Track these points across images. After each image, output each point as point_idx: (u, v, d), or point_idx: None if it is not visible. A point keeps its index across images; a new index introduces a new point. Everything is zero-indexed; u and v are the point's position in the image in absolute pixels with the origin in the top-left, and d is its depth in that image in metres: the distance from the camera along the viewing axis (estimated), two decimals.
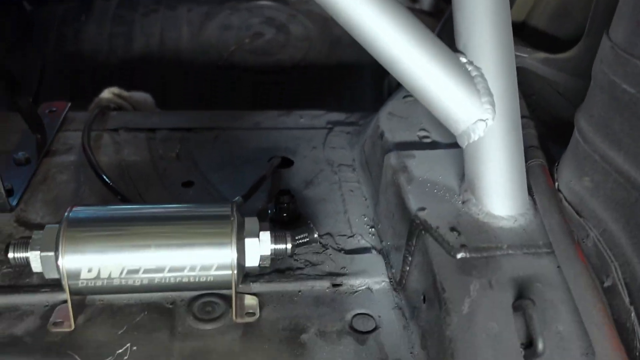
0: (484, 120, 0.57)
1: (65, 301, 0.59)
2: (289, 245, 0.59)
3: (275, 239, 0.58)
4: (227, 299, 0.61)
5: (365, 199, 0.78)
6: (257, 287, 0.63)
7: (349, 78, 1.57)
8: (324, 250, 0.69)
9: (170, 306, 0.60)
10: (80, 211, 0.56)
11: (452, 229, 0.56)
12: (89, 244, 0.53)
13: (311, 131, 0.95)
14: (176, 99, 1.46)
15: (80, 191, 0.77)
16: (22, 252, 0.55)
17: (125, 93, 1.12)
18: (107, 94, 1.11)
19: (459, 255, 0.53)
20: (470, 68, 0.58)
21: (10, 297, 0.60)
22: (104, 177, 0.75)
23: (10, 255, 0.55)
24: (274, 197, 0.73)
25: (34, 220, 0.71)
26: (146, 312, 0.59)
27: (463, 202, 0.60)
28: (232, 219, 0.56)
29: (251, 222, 0.58)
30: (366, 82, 1.57)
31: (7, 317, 0.58)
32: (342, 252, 0.69)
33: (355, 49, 1.62)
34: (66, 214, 0.55)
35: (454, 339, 0.49)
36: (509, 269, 0.52)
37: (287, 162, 0.86)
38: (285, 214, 0.72)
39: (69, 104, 0.97)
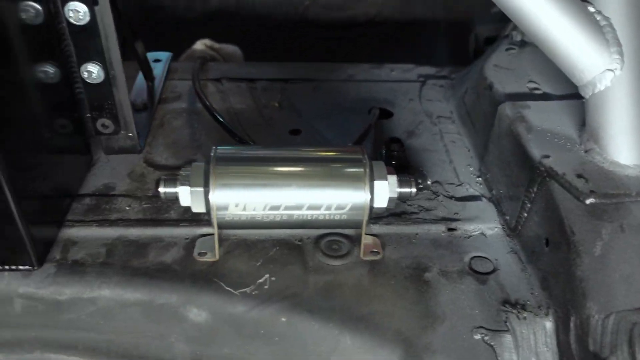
0: (612, 70, 0.58)
1: (203, 235, 0.65)
2: (414, 189, 0.62)
3: (401, 183, 0.61)
4: (350, 238, 0.64)
5: (469, 150, 0.80)
6: (377, 228, 0.66)
7: (422, 34, 1.57)
8: (435, 197, 0.72)
9: (299, 243, 0.64)
10: (224, 151, 0.60)
11: (579, 176, 0.58)
12: (237, 181, 0.57)
13: (405, 84, 0.97)
14: (253, 52, 1.49)
15: (196, 135, 0.81)
16: (172, 187, 0.59)
17: (216, 45, 1.16)
18: (199, 45, 1.15)
19: (588, 201, 0.55)
20: (599, 18, 0.59)
21: (154, 229, 0.65)
22: (222, 120, 0.79)
23: (161, 189, 0.59)
24: (383, 145, 0.76)
25: (158, 162, 0.76)
26: (278, 248, 0.63)
27: (586, 151, 0.61)
28: (364, 161, 0.59)
29: (379, 166, 0.61)
30: (440, 38, 1.56)
31: (154, 247, 0.63)
32: (453, 199, 0.71)
33: (429, 4, 1.62)
34: (212, 152, 0.59)
35: (585, 279, 0.52)
36: (638, 214, 0.54)
37: (386, 113, 0.88)
38: (394, 161, 0.75)
39: (171, 54, 1.01)
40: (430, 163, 0.78)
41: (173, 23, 1.51)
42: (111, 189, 0.71)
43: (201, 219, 0.66)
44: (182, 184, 0.59)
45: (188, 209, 0.60)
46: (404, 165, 0.75)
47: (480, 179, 0.75)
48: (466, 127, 0.83)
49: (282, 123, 0.86)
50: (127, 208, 0.68)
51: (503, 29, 0.94)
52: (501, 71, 0.79)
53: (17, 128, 0.56)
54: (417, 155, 0.79)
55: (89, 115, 0.70)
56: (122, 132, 0.72)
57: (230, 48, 1.18)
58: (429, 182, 0.68)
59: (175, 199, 0.60)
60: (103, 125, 0.71)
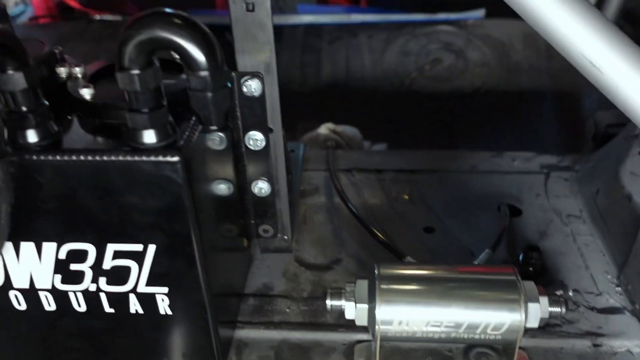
0: None
1: (359, 341, 0.70)
2: (564, 309, 0.65)
3: (552, 303, 0.65)
4: (497, 350, 0.68)
5: (604, 255, 0.82)
6: (522, 341, 0.69)
7: (528, 105, 1.59)
8: (576, 308, 0.74)
9: (449, 354, 0.68)
10: (387, 268, 0.65)
11: None
12: (402, 299, 0.63)
13: (528, 176, 1.00)
14: (363, 123, 1.56)
15: (339, 233, 0.88)
16: (338, 300, 0.66)
17: (339, 128, 1.24)
18: (324, 129, 1.23)
19: None
20: None
21: (314, 333, 0.71)
22: (363, 222, 0.85)
23: (328, 302, 0.66)
24: (521, 251, 0.79)
25: (308, 260, 0.83)
26: (430, 357, 0.68)
27: None
28: (518, 285, 0.63)
29: (531, 287, 0.65)
30: (547, 110, 1.58)
31: (316, 352, 0.69)
32: (595, 310, 0.73)
33: (534, 75, 1.64)
34: (376, 270, 0.65)
35: None
36: None
37: (514, 210, 0.92)
38: (531, 268, 0.78)
39: (303, 144, 1.09)
40: (566, 269, 0.80)
41: (287, 98, 1.61)
42: (270, 289, 0.78)
43: (356, 325, 0.71)
44: (348, 300, 0.65)
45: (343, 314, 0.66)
46: (540, 272, 0.78)
47: (619, 288, 0.76)
48: (599, 229, 0.85)
49: (414, 219, 0.91)
50: (287, 310, 0.74)
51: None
52: (638, 180, 0.81)
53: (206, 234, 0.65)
54: (551, 258, 0.82)
55: (252, 221, 0.78)
56: (279, 235, 0.80)
57: (351, 130, 1.25)
58: (570, 294, 0.71)
59: (340, 311, 0.66)
60: (264, 230, 0.79)
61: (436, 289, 0.64)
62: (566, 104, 1.56)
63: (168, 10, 0.46)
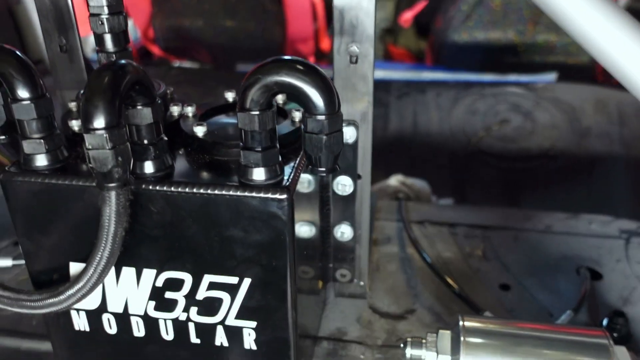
0: None
1: None
2: None
3: None
4: None
5: None
6: None
7: (599, 171, 1.56)
8: None
9: None
10: (471, 320, 0.65)
11: None
12: (487, 354, 0.62)
13: (607, 240, 0.98)
14: (429, 179, 1.57)
15: (413, 283, 0.88)
16: (418, 349, 0.65)
17: (408, 181, 1.25)
18: (394, 181, 1.24)
19: None
20: None
21: None
22: (439, 273, 0.85)
23: (408, 351, 0.65)
24: (607, 317, 0.77)
25: (381, 309, 0.83)
26: None
27: None
28: (611, 349, 0.61)
29: (621, 351, 0.62)
30: (619, 177, 1.55)
31: None
32: None
33: (605, 140, 1.62)
34: (461, 322, 0.64)
35: None
36: None
37: (594, 274, 0.89)
38: (616, 334, 0.75)
39: (376, 194, 1.11)
40: None
41: None
42: (344, 334, 0.78)
43: None
44: (429, 350, 0.64)
45: None
46: (625, 339, 0.75)
47: None
48: None
49: (490, 275, 0.90)
50: (362, 357, 0.74)
51: None
52: None
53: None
54: (636, 327, 0.79)
55: (331, 265, 0.80)
56: (355, 280, 0.81)
57: (420, 184, 1.26)
58: None
59: None
60: (342, 275, 0.80)
61: (524, 347, 0.62)
62: (639, 169, 1.53)
63: (289, 57, 0.49)
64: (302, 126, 0.51)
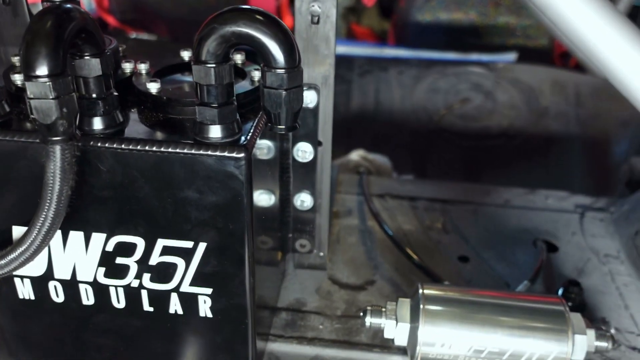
0: None
1: None
2: (610, 345, 0.63)
3: (598, 337, 0.63)
4: None
5: None
6: None
7: (556, 150, 1.59)
8: (617, 347, 0.72)
9: None
10: (430, 288, 0.64)
11: None
12: (445, 321, 0.61)
13: (563, 214, 0.99)
14: (390, 155, 1.57)
15: (373, 255, 0.87)
16: (378, 318, 0.64)
17: (370, 156, 1.24)
18: (355, 156, 1.23)
19: None
20: None
21: (348, 352, 0.69)
22: (399, 244, 0.84)
23: (367, 320, 0.64)
24: (562, 286, 0.78)
25: (341, 279, 0.82)
26: None
27: None
28: (566, 315, 0.62)
29: (578, 319, 0.63)
30: (575, 155, 1.58)
31: None
32: (636, 350, 0.72)
33: (562, 120, 1.65)
34: (420, 290, 0.64)
35: None
36: None
37: (550, 247, 0.90)
38: (571, 303, 0.76)
39: (335, 166, 1.09)
40: (606, 307, 0.78)
41: None
42: (303, 305, 0.77)
43: (391, 346, 0.70)
44: (389, 318, 0.64)
45: (377, 333, 0.64)
46: (580, 308, 0.77)
47: None
48: (639, 270, 0.84)
49: (449, 248, 0.90)
50: (320, 327, 0.73)
51: None
52: None
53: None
54: (590, 297, 0.80)
55: (290, 235, 0.78)
56: (315, 251, 0.79)
57: (381, 159, 1.25)
58: (612, 331, 0.69)
59: (379, 330, 0.64)
60: (301, 245, 0.79)
61: (482, 314, 0.62)
62: (595, 150, 1.56)
63: (249, 7, 0.47)
64: (261, 81, 0.49)
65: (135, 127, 0.54)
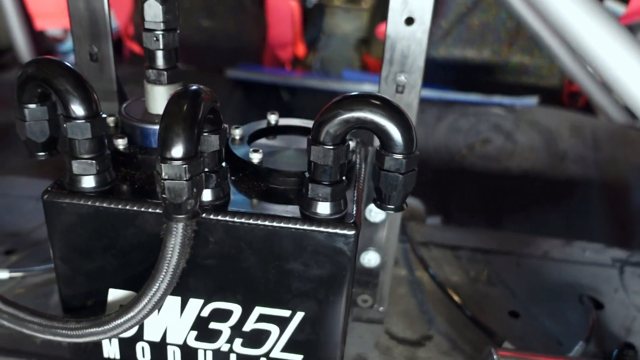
0: None
1: None
2: None
3: None
4: None
5: None
6: None
7: (576, 195, 1.62)
8: None
9: None
10: (505, 356, 0.66)
11: None
12: None
13: (602, 269, 1.02)
14: (415, 196, 1.59)
15: (424, 307, 0.88)
16: None
17: None
18: None
19: None
20: None
21: None
22: (455, 302, 0.86)
23: None
24: (616, 347, 0.80)
25: (397, 334, 0.83)
26: None
27: None
28: None
29: None
30: (594, 201, 1.61)
31: None
32: None
33: (582, 164, 1.68)
34: (495, 356, 0.65)
35: None
36: None
37: (596, 303, 0.93)
38: None
39: None
40: None
41: None
42: None
43: None
44: None
45: None
46: None
47: None
48: None
49: (498, 302, 0.91)
50: None
51: None
52: None
53: None
54: None
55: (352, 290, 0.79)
56: (375, 305, 0.81)
57: (414, 202, 1.27)
58: None
59: None
60: (363, 300, 0.80)
61: None
62: (614, 195, 1.60)
63: (369, 92, 0.49)
64: (376, 162, 0.50)
65: (239, 197, 0.55)
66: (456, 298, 0.87)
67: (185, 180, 0.45)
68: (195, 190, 0.46)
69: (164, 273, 0.49)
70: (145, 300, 0.50)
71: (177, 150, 0.44)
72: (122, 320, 0.51)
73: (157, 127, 0.56)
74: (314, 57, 2.79)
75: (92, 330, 0.53)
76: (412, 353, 0.79)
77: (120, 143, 0.57)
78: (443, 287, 0.88)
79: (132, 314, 0.51)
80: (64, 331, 0.54)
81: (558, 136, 1.73)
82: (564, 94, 2.27)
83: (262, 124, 0.65)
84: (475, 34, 2.22)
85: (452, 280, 0.95)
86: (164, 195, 0.45)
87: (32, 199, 1.09)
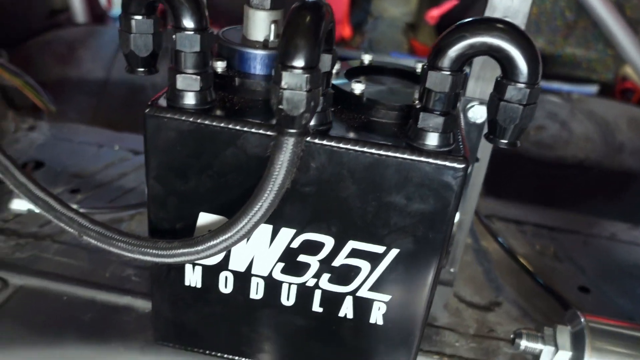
0: None
1: None
2: None
3: None
4: None
5: None
6: None
7: (633, 187, 1.58)
8: None
9: None
10: (595, 321, 0.63)
11: None
12: (613, 356, 0.60)
13: None
14: None
15: (491, 275, 0.86)
16: (534, 343, 0.63)
17: None
18: None
19: None
20: None
21: None
22: (527, 268, 0.83)
23: (523, 343, 0.63)
24: None
25: (465, 298, 0.81)
26: None
27: None
28: None
29: None
30: None
31: None
32: None
33: (638, 157, 1.63)
34: (582, 319, 0.63)
35: None
36: None
37: None
38: None
39: None
40: None
41: None
42: (434, 320, 0.76)
43: None
44: (547, 344, 0.63)
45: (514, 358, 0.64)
46: None
47: None
48: None
49: (566, 276, 0.89)
50: (457, 344, 0.72)
51: None
52: None
53: None
54: None
55: None
56: (447, 267, 0.79)
57: None
58: None
59: (535, 354, 0.63)
60: None
61: None
62: None
63: (495, 17, 0.46)
64: (494, 94, 0.48)
65: (340, 126, 0.53)
66: (528, 266, 0.84)
67: (305, 91, 0.43)
68: (312, 103, 0.44)
69: (267, 192, 0.47)
70: (245, 221, 0.49)
71: (300, 59, 0.43)
72: (217, 241, 0.50)
73: (257, 51, 0.55)
74: (360, 39, 2.76)
75: (184, 250, 0.52)
76: (482, 317, 0.77)
77: (219, 65, 0.55)
78: (513, 254, 0.86)
79: (229, 234, 0.50)
80: (153, 251, 0.53)
81: (615, 128, 1.68)
82: (617, 91, 2.21)
83: (355, 64, 0.63)
84: (530, 22, 2.17)
85: (519, 253, 0.92)
86: (280, 107, 0.44)
87: (92, 145, 1.09)
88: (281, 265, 0.57)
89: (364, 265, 0.55)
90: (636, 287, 0.87)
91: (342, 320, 0.59)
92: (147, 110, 0.52)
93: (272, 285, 0.58)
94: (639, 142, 1.64)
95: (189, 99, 0.52)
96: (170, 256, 0.53)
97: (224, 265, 0.58)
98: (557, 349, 0.62)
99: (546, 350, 0.63)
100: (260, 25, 0.57)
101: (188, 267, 0.59)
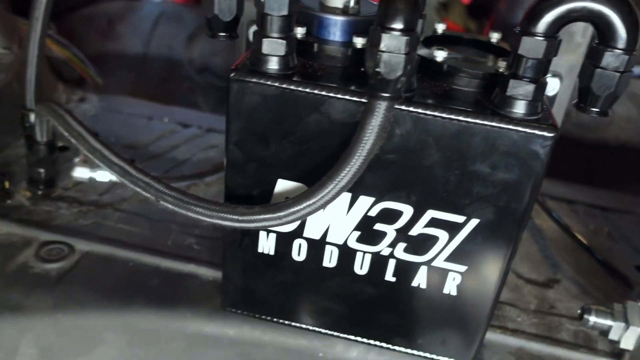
0: None
1: None
2: None
3: None
4: None
5: None
6: None
7: None
8: None
9: None
10: None
11: None
12: None
13: None
14: None
15: (547, 252, 0.85)
16: (604, 319, 0.63)
17: None
18: None
19: None
20: None
21: (552, 347, 0.68)
22: (585, 245, 0.83)
23: (592, 319, 0.63)
24: None
25: (523, 274, 0.80)
26: None
27: None
28: None
29: None
30: None
31: None
32: None
33: None
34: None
35: None
36: None
37: None
38: None
39: None
40: None
41: None
42: None
43: (596, 347, 0.68)
44: (617, 320, 0.62)
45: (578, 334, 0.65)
46: None
47: None
48: None
49: (622, 255, 0.88)
50: (518, 319, 0.72)
51: None
52: None
53: None
54: None
55: None
56: None
57: None
58: None
59: (605, 330, 0.63)
60: None
61: None
62: None
63: None
64: (588, 61, 0.47)
65: (423, 93, 0.52)
66: (585, 243, 0.84)
67: (403, 54, 0.43)
68: (409, 67, 0.44)
69: (356, 157, 0.47)
70: (330, 187, 0.49)
71: (400, 21, 0.42)
72: (300, 207, 0.50)
73: (337, 17, 0.55)
74: None
75: (265, 216, 0.52)
76: (541, 293, 0.77)
77: (299, 32, 0.55)
78: (569, 231, 0.85)
79: (313, 200, 0.50)
80: (233, 216, 0.53)
81: None
82: None
83: (429, 33, 0.63)
84: None
85: (574, 231, 0.92)
86: (377, 70, 0.44)
87: (142, 117, 1.10)
88: (357, 233, 0.57)
89: (442, 235, 0.55)
90: None
91: (416, 290, 0.59)
92: (231, 74, 0.52)
93: (346, 254, 0.58)
94: None
95: (273, 64, 0.52)
96: (251, 221, 0.53)
97: (299, 232, 0.58)
98: (627, 325, 0.62)
99: (616, 327, 0.62)
100: None
101: (262, 234, 0.59)
